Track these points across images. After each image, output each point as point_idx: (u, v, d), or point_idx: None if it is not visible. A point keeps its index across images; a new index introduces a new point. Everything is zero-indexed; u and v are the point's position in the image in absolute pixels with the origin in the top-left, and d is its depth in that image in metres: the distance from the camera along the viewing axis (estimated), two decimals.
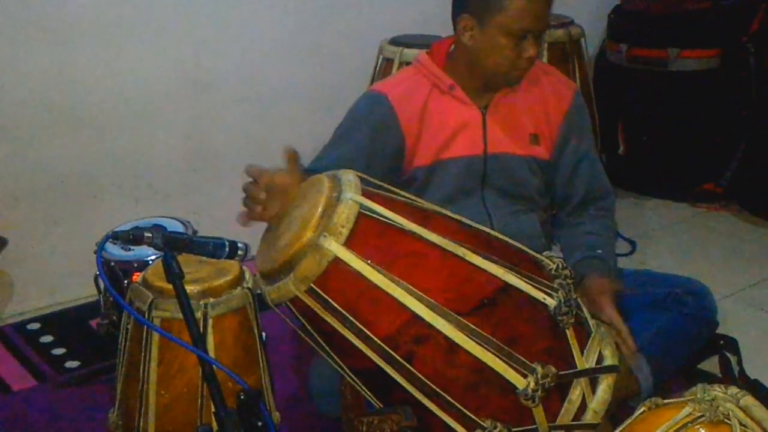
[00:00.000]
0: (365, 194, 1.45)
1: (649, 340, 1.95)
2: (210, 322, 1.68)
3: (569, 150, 2.04)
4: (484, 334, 1.40)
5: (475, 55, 1.89)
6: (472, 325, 1.40)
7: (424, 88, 1.97)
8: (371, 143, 1.92)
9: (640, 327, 1.92)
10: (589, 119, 2.15)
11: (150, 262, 2.07)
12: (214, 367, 1.39)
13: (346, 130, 1.97)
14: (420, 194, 1.88)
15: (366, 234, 1.41)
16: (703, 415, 1.28)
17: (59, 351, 2.38)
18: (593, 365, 1.54)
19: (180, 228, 2.19)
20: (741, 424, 1.26)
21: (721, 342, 2.27)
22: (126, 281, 2.07)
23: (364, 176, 1.54)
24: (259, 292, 1.62)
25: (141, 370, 1.70)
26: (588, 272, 1.89)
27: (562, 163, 2.05)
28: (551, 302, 1.48)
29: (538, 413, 1.45)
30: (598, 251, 1.97)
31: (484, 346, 1.40)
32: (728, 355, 2.25)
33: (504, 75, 1.90)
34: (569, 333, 1.50)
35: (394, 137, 1.94)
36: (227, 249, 1.43)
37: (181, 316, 1.38)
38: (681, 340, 2.04)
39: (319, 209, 1.41)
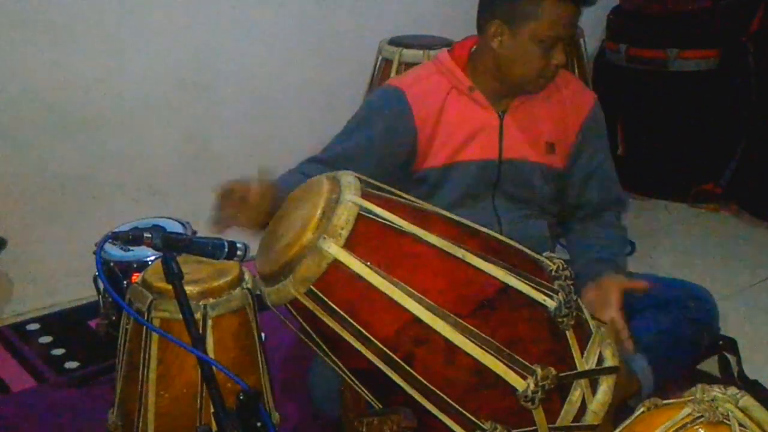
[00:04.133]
0: (365, 196, 1.45)
1: (651, 341, 1.95)
2: (209, 322, 1.69)
3: (584, 159, 2.04)
4: (484, 335, 1.40)
5: (504, 61, 1.89)
6: (471, 327, 1.40)
7: (443, 88, 1.95)
8: (384, 138, 1.91)
9: (642, 328, 1.92)
10: (606, 129, 2.12)
11: (149, 262, 2.07)
12: (214, 367, 1.39)
13: (360, 123, 1.96)
14: (431, 196, 1.88)
15: (365, 236, 1.41)
16: (702, 416, 1.28)
17: (59, 351, 2.38)
18: (593, 366, 1.54)
19: (179, 229, 2.19)
20: (740, 424, 1.26)
21: (721, 342, 2.27)
22: (125, 282, 2.07)
23: (364, 177, 1.54)
24: (258, 293, 1.62)
25: (140, 371, 1.70)
26: (601, 273, 1.89)
27: (576, 173, 2.04)
28: (551, 304, 1.48)
29: (538, 415, 1.45)
30: (613, 257, 1.97)
31: (483, 348, 1.40)
32: (728, 355, 2.25)
33: (531, 82, 1.90)
34: (569, 334, 1.50)
35: (408, 135, 1.93)
36: (226, 249, 1.43)
37: (180, 316, 1.39)
38: (682, 344, 2.03)
39: (319, 211, 1.40)
